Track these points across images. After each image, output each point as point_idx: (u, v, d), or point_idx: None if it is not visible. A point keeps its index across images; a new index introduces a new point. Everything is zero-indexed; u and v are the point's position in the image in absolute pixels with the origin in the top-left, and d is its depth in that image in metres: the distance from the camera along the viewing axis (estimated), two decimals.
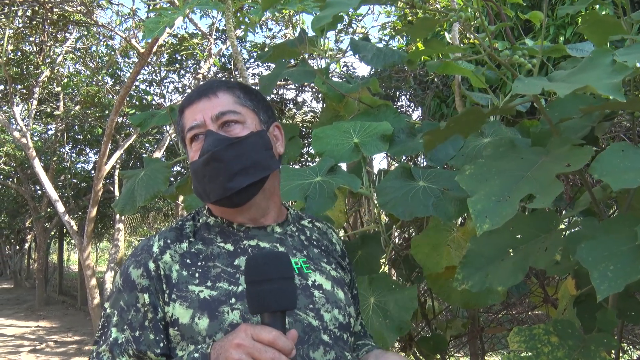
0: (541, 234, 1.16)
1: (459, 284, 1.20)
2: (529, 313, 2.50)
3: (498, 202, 0.99)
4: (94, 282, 7.29)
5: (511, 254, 1.16)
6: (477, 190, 1.03)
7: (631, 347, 2.82)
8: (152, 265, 1.08)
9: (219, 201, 1.13)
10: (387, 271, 2.44)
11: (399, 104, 9.51)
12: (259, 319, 0.97)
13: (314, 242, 1.24)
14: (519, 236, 1.17)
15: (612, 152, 0.97)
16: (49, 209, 12.49)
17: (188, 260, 1.10)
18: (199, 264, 1.10)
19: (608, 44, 1.55)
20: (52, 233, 15.15)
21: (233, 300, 1.05)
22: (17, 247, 19.76)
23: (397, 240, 2.45)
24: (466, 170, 1.10)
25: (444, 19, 1.21)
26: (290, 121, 10.93)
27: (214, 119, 1.14)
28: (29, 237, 17.39)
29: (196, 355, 0.98)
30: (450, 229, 1.75)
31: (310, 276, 1.14)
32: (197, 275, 1.08)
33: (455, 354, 2.62)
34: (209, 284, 1.07)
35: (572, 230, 1.10)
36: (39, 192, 13.55)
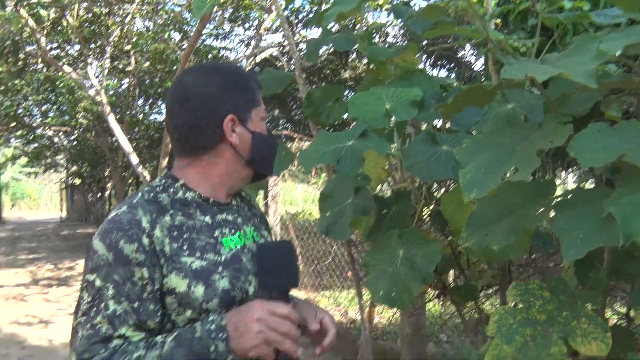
0: (538, 199, 1.27)
1: (462, 241, 1.33)
2: (558, 267, 2.59)
3: (485, 173, 1.11)
4: None
5: (509, 216, 1.27)
6: (470, 162, 1.15)
7: None
8: (146, 241, 1.12)
9: (267, 174, 1.37)
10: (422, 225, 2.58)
11: (462, 53, 9.35)
12: (247, 285, 1.23)
13: (253, 211, 1.42)
14: (518, 200, 1.28)
15: (589, 133, 1.04)
16: (124, 159, 13.15)
17: (175, 233, 1.17)
18: (185, 236, 1.18)
19: None
20: (130, 181, 15.98)
21: (220, 268, 1.18)
22: (99, 195, 20.98)
23: (435, 194, 2.58)
24: (463, 144, 1.21)
25: (447, 6, 1.31)
26: (352, 71, 10.95)
27: None
28: (109, 185, 18.41)
29: (212, 327, 1.09)
30: None
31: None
32: (185, 247, 1.16)
33: (490, 303, 2.76)
34: (197, 254, 1.17)
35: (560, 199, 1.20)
36: (115, 143, 14.25)
